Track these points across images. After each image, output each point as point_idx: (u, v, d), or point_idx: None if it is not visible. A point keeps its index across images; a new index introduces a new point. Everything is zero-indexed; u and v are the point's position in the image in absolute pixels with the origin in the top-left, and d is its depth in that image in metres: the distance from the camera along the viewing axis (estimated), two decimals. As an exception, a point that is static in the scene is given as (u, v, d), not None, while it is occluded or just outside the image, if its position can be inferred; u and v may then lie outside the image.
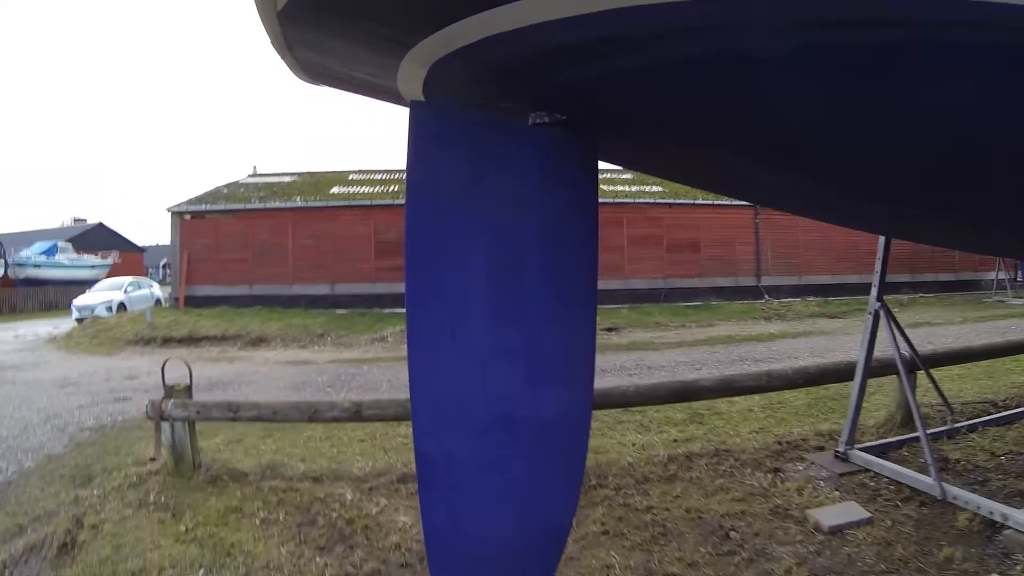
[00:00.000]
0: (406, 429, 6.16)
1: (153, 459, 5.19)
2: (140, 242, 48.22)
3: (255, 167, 29.76)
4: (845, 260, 22.39)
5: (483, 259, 2.15)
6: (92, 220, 47.82)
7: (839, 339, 12.98)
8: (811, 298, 21.00)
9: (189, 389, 5.27)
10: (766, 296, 21.51)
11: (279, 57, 2.44)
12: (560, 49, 1.69)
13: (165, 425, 5.07)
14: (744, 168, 2.58)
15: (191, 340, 15.58)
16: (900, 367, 5.05)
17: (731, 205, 22.39)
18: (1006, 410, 6.38)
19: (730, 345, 12.85)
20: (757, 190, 3.45)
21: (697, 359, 11.15)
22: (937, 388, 5.56)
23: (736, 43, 1.51)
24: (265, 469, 5.30)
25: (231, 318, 17.72)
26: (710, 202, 22.36)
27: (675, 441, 5.97)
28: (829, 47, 1.43)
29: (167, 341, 15.53)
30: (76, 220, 48.26)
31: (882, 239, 4.97)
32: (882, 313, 5.02)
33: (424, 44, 1.82)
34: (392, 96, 2.68)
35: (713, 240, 22.32)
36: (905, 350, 5.20)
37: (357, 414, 4.95)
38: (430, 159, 2.10)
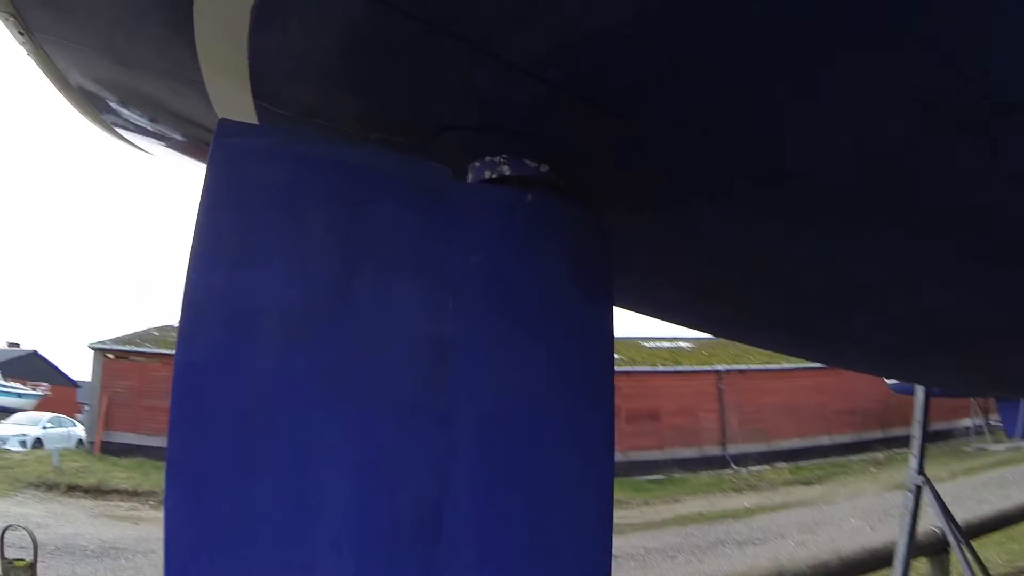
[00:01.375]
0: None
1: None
2: (77, 376, 45.19)
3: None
4: (814, 421, 21.77)
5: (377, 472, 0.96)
6: (27, 346, 45.18)
7: (824, 510, 12.01)
8: (781, 464, 20.08)
9: (33, 567, 4.25)
10: (733, 466, 20.46)
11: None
12: None
13: (-6, 617, 4.13)
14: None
15: (99, 491, 14.25)
16: (955, 544, 4.22)
17: (693, 371, 21.97)
18: (1050, 579, 5.57)
19: (703, 524, 11.79)
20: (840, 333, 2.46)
21: (670, 544, 9.99)
22: (981, 565, 4.77)
23: None
24: None
25: (148, 472, 16.14)
26: (671, 368, 21.98)
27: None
28: None
29: (72, 489, 14.18)
30: (10, 344, 45.51)
31: (921, 393, 4.13)
32: (925, 488, 4.21)
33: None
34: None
35: (674, 408, 21.52)
36: (939, 525, 4.42)
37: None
38: (250, 243, 0.95)
